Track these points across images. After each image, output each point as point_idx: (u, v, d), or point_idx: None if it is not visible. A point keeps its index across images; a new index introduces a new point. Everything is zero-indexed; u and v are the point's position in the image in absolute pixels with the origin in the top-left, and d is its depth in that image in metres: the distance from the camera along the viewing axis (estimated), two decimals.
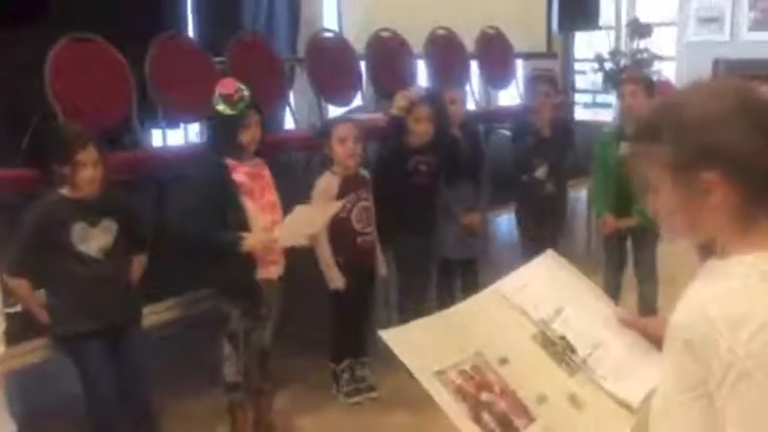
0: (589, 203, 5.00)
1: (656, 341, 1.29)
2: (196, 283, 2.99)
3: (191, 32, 5.17)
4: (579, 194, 4.98)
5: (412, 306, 3.53)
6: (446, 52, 5.12)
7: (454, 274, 3.72)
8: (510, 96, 5.77)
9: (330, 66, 4.48)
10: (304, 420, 3.10)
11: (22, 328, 2.45)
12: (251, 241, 2.73)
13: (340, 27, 5.83)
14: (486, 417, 1.25)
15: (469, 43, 5.32)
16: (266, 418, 3.01)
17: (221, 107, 2.76)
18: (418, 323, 1.39)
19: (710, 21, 9.06)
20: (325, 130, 3.19)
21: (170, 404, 2.93)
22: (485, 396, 1.28)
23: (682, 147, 1.05)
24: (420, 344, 1.37)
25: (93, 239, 2.48)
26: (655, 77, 6.79)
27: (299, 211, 2.76)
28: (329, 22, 6.19)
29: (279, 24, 5.88)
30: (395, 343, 1.30)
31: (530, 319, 1.37)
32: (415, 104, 3.42)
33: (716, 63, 8.54)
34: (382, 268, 3.34)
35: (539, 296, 1.40)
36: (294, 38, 5.81)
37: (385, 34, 4.88)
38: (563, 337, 1.35)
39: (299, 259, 3.04)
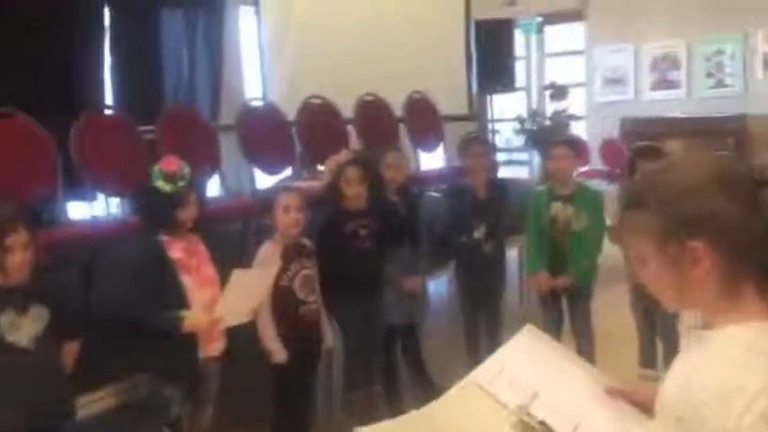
0: (520, 262, 5.09)
1: (644, 407, 1.28)
2: (133, 368, 2.82)
3: (108, 105, 5.04)
4: (510, 253, 5.06)
5: (357, 376, 3.46)
6: (375, 117, 5.18)
7: (395, 340, 3.66)
8: (435, 159, 5.85)
9: (261, 134, 4.45)
10: None
11: None
12: (192, 321, 2.62)
13: (264, 95, 5.82)
14: None
15: (397, 107, 5.41)
16: None
17: (160, 183, 2.68)
18: (393, 422, 1.35)
19: (616, 82, 9.60)
20: (268, 200, 3.13)
21: None
22: None
23: (667, 216, 1.07)
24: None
25: (23, 329, 2.30)
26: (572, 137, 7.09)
27: (238, 276, 2.66)
28: (251, 90, 6.18)
29: (201, 94, 5.81)
30: None
31: (506, 407, 1.35)
32: (343, 167, 3.42)
33: (623, 121, 9.01)
34: (329, 338, 3.25)
35: (515, 380, 1.38)
36: (216, 107, 5.74)
37: (315, 101, 4.90)
38: (542, 422, 1.33)
39: (239, 332, 2.92)
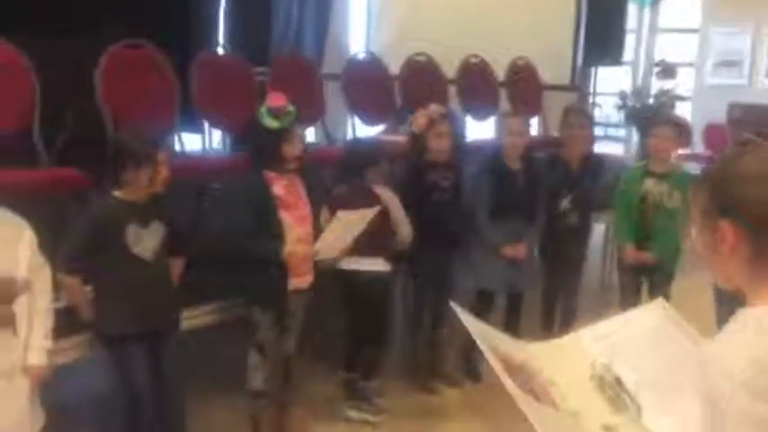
0: (606, 237, 5.09)
1: None
2: (229, 291, 3.05)
3: (220, 47, 5.27)
4: (598, 228, 5.06)
5: (430, 324, 3.62)
6: (477, 80, 5.22)
7: (490, 307, 3.67)
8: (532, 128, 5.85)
9: (365, 86, 4.58)
10: (322, 430, 3.16)
11: (63, 324, 2.49)
12: (291, 249, 2.81)
13: (368, 48, 5.93)
14: (518, 380, 1.35)
15: (500, 71, 5.42)
16: (287, 426, 3.08)
17: (267, 120, 2.85)
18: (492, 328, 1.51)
19: (729, 65, 9.19)
20: (374, 152, 3.30)
21: (194, 409, 2.95)
22: (523, 375, 1.39)
23: (713, 195, 1.18)
24: (486, 330, 1.48)
25: (146, 241, 2.55)
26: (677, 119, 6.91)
27: (341, 217, 2.83)
28: (356, 42, 6.30)
29: (307, 41, 5.98)
30: (465, 316, 1.42)
31: (594, 363, 1.47)
32: (435, 121, 3.52)
33: (731, 107, 8.65)
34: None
35: (617, 346, 1.49)
36: (321, 55, 5.90)
37: (419, 58, 4.99)
38: (618, 379, 1.44)
39: (321, 276, 3.10)
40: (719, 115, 8.46)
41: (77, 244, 2.49)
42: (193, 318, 3.01)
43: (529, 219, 3.68)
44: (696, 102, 9.24)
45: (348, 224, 2.92)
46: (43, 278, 2.28)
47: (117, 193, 2.54)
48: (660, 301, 1.60)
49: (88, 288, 2.58)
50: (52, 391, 2.39)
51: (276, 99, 2.89)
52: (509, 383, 1.32)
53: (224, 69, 4.07)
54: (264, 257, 2.79)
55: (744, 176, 1.16)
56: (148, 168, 2.50)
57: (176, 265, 2.75)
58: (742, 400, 1.06)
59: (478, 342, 1.37)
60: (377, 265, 3.22)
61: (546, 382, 1.43)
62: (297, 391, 3.16)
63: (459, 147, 3.66)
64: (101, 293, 2.57)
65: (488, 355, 1.36)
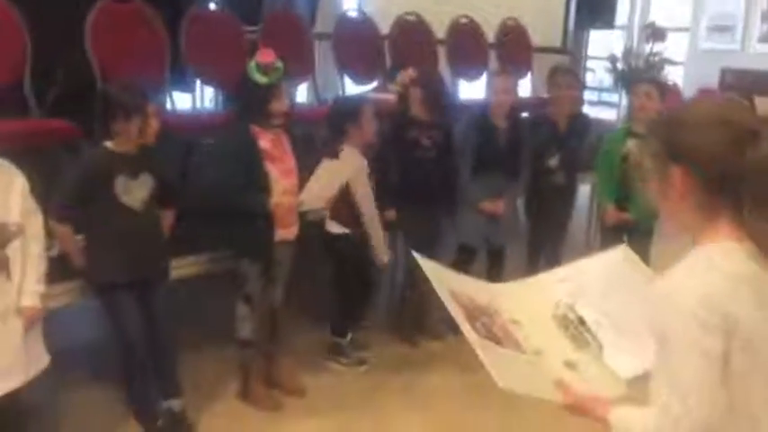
0: (592, 196, 5.17)
1: None
2: (218, 243, 3.12)
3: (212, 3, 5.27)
4: (583, 187, 5.14)
5: (415, 280, 3.71)
6: (467, 39, 5.25)
7: (471, 261, 3.76)
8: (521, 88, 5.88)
9: (355, 45, 4.61)
10: (308, 379, 3.26)
11: (55, 271, 2.55)
12: (277, 200, 2.88)
13: (360, 7, 5.93)
14: (478, 324, 1.40)
15: (489, 33, 5.45)
16: (274, 375, 3.19)
17: (257, 75, 2.89)
18: (458, 275, 1.56)
19: (722, 29, 9.19)
20: (350, 110, 3.32)
21: (184, 358, 3.03)
22: (484, 319, 1.44)
23: (664, 142, 1.24)
24: (448, 275, 1.53)
25: (134, 192, 2.62)
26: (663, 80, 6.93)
27: (326, 166, 2.89)
28: (348, 1, 6.28)
29: (299, 1, 5.96)
30: (424, 263, 1.47)
31: (558, 303, 1.54)
32: (409, 86, 3.61)
33: (723, 72, 8.67)
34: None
35: (581, 285, 1.55)
36: (314, 14, 5.89)
37: (409, 18, 5.01)
38: (581, 318, 1.52)
39: (308, 227, 3.18)
40: (712, 80, 8.49)
41: (68, 193, 2.55)
42: (182, 267, 3.08)
43: (511, 176, 3.75)
44: (689, 66, 9.26)
45: (332, 172, 2.98)
46: (35, 224, 2.35)
47: (108, 144, 2.60)
48: (622, 246, 1.65)
49: (79, 237, 2.65)
50: (47, 336, 2.46)
51: (265, 55, 2.93)
52: (466, 328, 1.36)
53: (215, 26, 4.09)
54: (252, 209, 2.86)
55: (692, 123, 1.22)
56: (138, 120, 2.56)
57: (167, 217, 2.82)
58: (694, 332, 1.14)
59: (436, 287, 1.40)
60: (331, 226, 3.31)
61: (508, 321, 1.49)
62: (284, 342, 3.26)
63: (447, 106, 3.71)
64: (91, 242, 2.64)
65: (446, 299, 1.40)
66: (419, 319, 3.80)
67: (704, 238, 1.23)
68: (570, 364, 1.46)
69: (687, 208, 1.23)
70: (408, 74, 3.71)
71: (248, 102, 2.99)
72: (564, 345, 1.50)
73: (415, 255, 1.50)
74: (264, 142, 2.95)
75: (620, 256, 1.62)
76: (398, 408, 3.13)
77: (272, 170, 2.95)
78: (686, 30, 9.37)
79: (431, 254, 3.48)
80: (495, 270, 3.86)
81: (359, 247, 3.34)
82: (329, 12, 5.79)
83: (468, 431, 3.05)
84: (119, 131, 2.57)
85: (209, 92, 4.45)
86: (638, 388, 1.40)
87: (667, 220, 1.31)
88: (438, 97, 3.59)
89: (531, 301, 1.55)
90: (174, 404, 2.80)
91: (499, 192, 3.70)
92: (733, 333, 1.15)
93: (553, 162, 3.93)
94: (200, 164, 3.37)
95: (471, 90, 5.32)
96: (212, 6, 4.78)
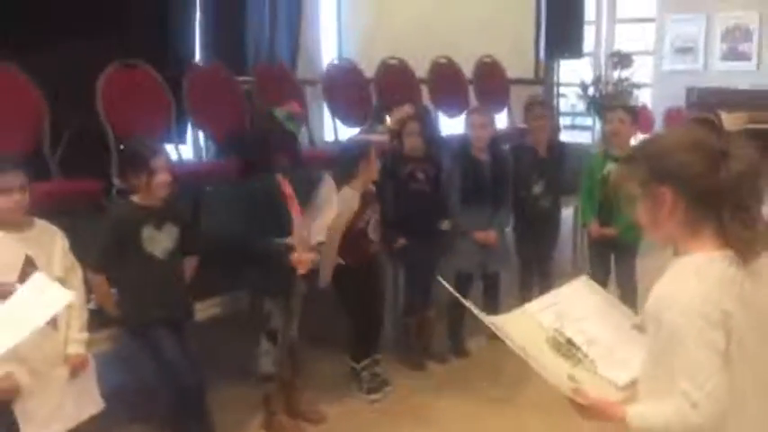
0: (575, 219, 5.45)
1: None
2: (240, 284, 3.31)
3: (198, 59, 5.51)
4: (566, 211, 5.42)
5: (418, 307, 3.94)
6: (446, 79, 5.56)
7: (468, 287, 3.98)
8: (500, 120, 6.18)
9: (344, 90, 4.90)
10: (330, 408, 3.44)
11: (94, 321, 2.75)
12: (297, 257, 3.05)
13: (340, 54, 6.24)
14: None
15: (466, 70, 5.77)
16: (295, 405, 3.35)
17: (290, 124, 3.13)
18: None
19: (685, 51, 9.63)
20: (360, 151, 3.57)
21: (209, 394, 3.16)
22: None
23: (648, 167, 1.46)
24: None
25: (159, 242, 2.84)
26: (633, 104, 7.29)
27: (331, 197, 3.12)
28: (327, 48, 6.60)
29: (281, 50, 6.25)
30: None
31: (546, 328, 1.75)
32: (405, 121, 3.87)
33: (689, 90, 9.07)
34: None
35: (562, 313, 1.78)
36: (294, 62, 6.17)
37: (392, 61, 5.32)
38: (570, 339, 1.73)
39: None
40: (679, 99, 8.88)
41: (100, 246, 2.76)
42: (204, 310, 3.28)
43: (498, 205, 4.01)
44: (656, 87, 9.65)
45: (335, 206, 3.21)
46: (76, 278, 2.56)
47: (133, 198, 2.83)
48: (583, 276, 1.91)
49: (113, 290, 2.85)
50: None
51: (296, 105, 3.18)
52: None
53: (212, 80, 4.34)
54: (278, 252, 3.03)
55: (672, 150, 1.44)
56: (154, 173, 2.77)
57: (190, 264, 3.03)
58: (702, 328, 1.35)
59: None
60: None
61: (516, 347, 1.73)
62: (302, 372, 3.45)
63: (435, 141, 3.97)
64: (124, 291, 2.84)
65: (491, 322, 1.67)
66: (425, 344, 4.01)
67: (689, 249, 1.44)
68: (572, 378, 1.65)
69: (674, 223, 1.44)
70: (405, 110, 3.97)
71: (274, 148, 3.17)
72: (561, 362, 1.70)
73: (443, 282, 1.71)
74: (286, 188, 3.13)
75: (583, 283, 1.88)
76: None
77: (292, 211, 3.14)
78: (651, 53, 9.80)
79: (431, 281, 3.81)
80: (491, 293, 4.11)
81: (359, 279, 3.53)
82: (308, 59, 6.11)
83: None
84: (138, 186, 2.79)
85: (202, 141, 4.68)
86: (629, 392, 1.60)
87: (653, 234, 1.51)
88: (432, 131, 3.85)
89: (525, 329, 1.75)
90: None
91: (488, 221, 3.95)
92: (730, 328, 1.36)
93: (538, 188, 4.20)
94: (212, 211, 3.57)
95: (452, 125, 5.60)
96: (197, 58, 5.04)
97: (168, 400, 2.93)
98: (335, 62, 5.23)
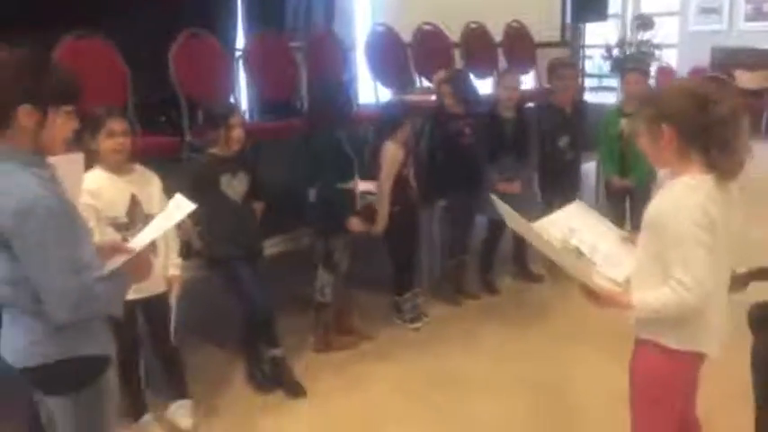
0: (598, 170, 5.85)
1: None
2: (306, 224, 3.79)
3: (240, 29, 5.91)
4: (587, 165, 5.82)
5: (458, 251, 4.43)
6: (477, 42, 5.97)
7: (502, 233, 4.47)
8: (527, 81, 6.55)
9: (384, 54, 5.34)
10: (377, 333, 3.98)
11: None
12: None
13: (373, 20, 6.62)
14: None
15: (496, 34, 6.16)
16: (347, 326, 3.91)
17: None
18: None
19: (710, 11, 9.83)
20: (401, 110, 4.04)
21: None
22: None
23: (657, 109, 1.92)
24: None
25: (235, 188, 3.33)
26: (657, 64, 7.60)
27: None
28: (361, 14, 7.00)
29: (316, 17, 6.66)
30: (503, 208, 2.11)
31: (558, 240, 2.18)
32: (440, 83, 4.30)
33: (714, 50, 9.31)
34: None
35: (563, 227, 2.22)
36: (330, 29, 6.54)
37: (427, 27, 5.73)
38: (577, 248, 2.17)
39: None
40: (704, 59, 9.13)
41: (188, 189, 3.21)
42: (271, 247, 3.78)
43: (521, 159, 4.43)
44: (681, 48, 9.90)
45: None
46: None
47: (213, 151, 3.33)
48: (576, 201, 2.37)
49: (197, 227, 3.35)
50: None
51: None
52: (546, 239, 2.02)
53: (267, 48, 4.80)
54: (344, 197, 3.55)
55: (674, 95, 1.89)
56: (232, 128, 3.26)
57: (259, 206, 3.51)
58: (697, 232, 1.80)
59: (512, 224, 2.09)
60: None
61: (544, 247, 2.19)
62: (353, 301, 3.97)
63: (473, 100, 4.40)
64: (206, 228, 3.32)
65: (521, 227, 2.08)
66: (460, 283, 4.52)
67: (681, 172, 1.89)
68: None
69: (671, 152, 1.89)
70: (439, 75, 4.43)
71: (339, 109, 3.64)
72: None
73: (496, 202, 2.14)
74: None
75: (577, 205, 2.34)
76: (456, 352, 3.80)
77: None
78: (677, 14, 10.02)
79: (470, 230, 4.29)
80: (520, 239, 4.56)
81: (402, 222, 3.97)
82: (345, 24, 6.54)
83: (515, 360, 3.70)
84: (217, 139, 3.28)
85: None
86: (625, 287, 2.02)
87: (654, 162, 1.96)
88: (464, 92, 4.28)
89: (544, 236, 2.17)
90: (277, 352, 3.45)
91: (513, 173, 4.37)
92: (715, 230, 1.81)
93: (563, 143, 4.63)
94: (271, 162, 4.04)
95: (482, 86, 5.99)
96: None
97: (243, 325, 3.43)
98: (377, 29, 5.63)
